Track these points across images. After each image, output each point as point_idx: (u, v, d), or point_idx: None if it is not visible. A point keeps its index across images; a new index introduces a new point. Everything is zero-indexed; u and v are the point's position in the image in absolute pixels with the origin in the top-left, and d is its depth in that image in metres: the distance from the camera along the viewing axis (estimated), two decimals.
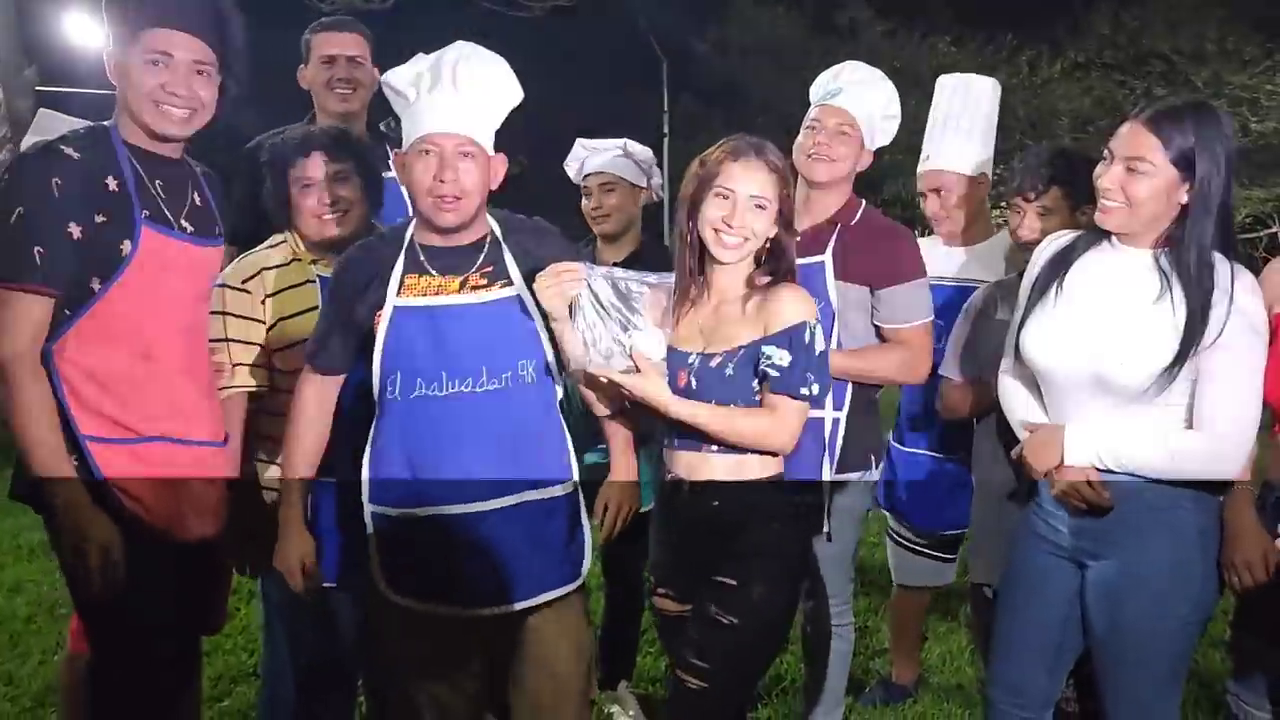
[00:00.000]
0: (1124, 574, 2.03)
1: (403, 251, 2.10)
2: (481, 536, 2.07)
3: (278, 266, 2.40)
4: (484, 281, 2.10)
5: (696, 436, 2.04)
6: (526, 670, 2.16)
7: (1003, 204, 3.83)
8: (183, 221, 2.06)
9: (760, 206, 2.00)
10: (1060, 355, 2.06)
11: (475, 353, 2.06)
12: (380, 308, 2.07)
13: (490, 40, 2.20)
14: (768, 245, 2.06)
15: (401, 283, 2.08)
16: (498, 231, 2.14)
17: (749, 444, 2.02)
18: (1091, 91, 18.46)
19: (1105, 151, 2.03)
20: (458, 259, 2.09)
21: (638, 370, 1.99)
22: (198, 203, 2.12)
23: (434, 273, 2.08)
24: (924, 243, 2.93)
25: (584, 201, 3.07)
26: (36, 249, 1.85)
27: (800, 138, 2.67)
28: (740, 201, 1.99)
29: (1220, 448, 1.96)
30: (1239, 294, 1.95)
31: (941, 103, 2.90)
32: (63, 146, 1.92)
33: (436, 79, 2.03)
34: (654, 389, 1.99)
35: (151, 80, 1.97)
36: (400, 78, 2.08)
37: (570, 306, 2.01)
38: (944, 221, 2.92)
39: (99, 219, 1.91)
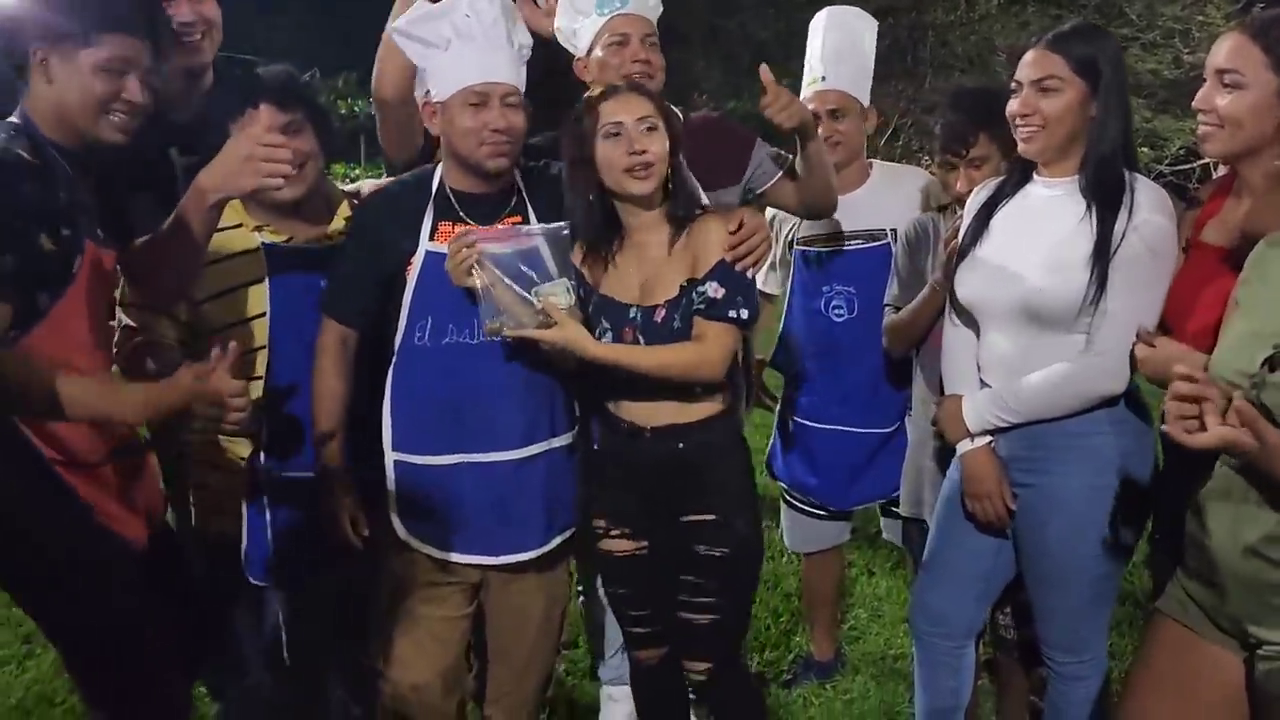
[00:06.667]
0: (1045, 498, 2.08)
1: (432, 198, 2.09)
2: (511, 483, 2.10)
3: (221, 230, 2.11)
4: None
5: (645, 389, 2.05)
6: (510, 613, 2.26)
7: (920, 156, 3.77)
8: (98, 230, 1.94)
9: (651, 128, 2.00)
10: (986, 290, 2.09)
11: None
12: (410, 254, 2.06)
13: None
14: (669, 177, 2.03)
15: (434, 228, 2.07)
16: (520, 181, 2.15)
17: (679, 376, 2.02)
18: (1028, 26, 18.47)
19: (1013, 84, 2.05)
20: (490, 206, 2.09)
21: (552, 322, 1.97)
22: (101, 206, 1.99)
23: (468, 220, 2.07)
24: None
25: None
26: (6, 257, 1.68)
27: (603, 55, 2.30)
28: (631, 128, 1.98)
29: (1103, 364, 1.97)
30: (1138, 209, 1.94)
31: (833, 31, 2.76)
32: (20, 151, 1.74)
33: (483, 30, 2.00)
34: (573, 335, 1.97)
35: (105, 89, 1.84)
36: (429, 28, 2.01)
37: (475, 273, 1.96)
38: (837, 149, 2.69)
39: (64, 232, 1.78)
